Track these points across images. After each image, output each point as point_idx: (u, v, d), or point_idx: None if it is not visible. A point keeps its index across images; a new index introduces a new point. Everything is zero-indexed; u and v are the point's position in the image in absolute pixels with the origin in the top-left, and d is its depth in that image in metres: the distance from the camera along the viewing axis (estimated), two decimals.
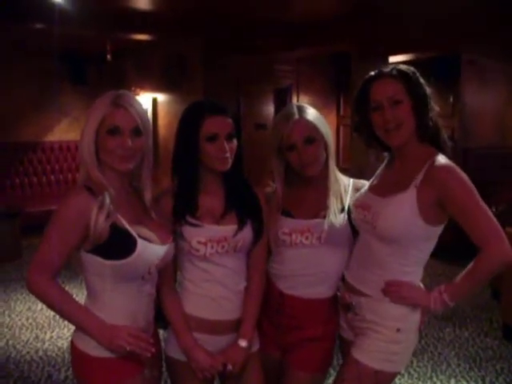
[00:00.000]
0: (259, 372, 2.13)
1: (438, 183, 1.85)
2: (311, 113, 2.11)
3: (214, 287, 2.02)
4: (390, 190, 1.96)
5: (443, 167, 1.87)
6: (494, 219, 1.84)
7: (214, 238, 1.97)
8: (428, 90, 1.95)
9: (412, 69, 1.97)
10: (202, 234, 1.96)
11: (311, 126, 2.07)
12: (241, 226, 2.00)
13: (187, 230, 1.97)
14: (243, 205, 2.04)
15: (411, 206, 1.87)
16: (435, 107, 1.96)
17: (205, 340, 2.02)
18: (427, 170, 1.88)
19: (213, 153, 1.95)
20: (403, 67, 1.97)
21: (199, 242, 1.96)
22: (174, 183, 2.04)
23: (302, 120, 2.08)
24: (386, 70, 1.97)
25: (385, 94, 1.93)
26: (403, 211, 1.89)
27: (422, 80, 1.95)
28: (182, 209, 1.99)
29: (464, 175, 1.86)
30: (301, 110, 2.10)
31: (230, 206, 2.03)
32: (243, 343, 2.03)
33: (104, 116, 1.77)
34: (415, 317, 2.00)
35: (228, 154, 1.95)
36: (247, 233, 2.02)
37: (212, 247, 1.97)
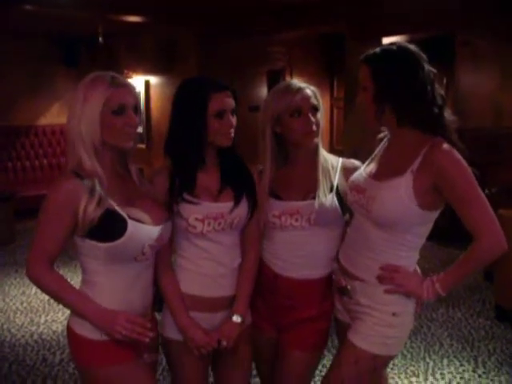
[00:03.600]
0: (249, 346, 2.18)
1: (435, 168, 1.82)
2: (311, 87, 2.15)
3: (210, 264, 2.04)
4: (386, 174, 1.94)
5: (442, 153, 1.83)
6: (490, 209, 1.83)
7: (210, 214, 1.98)
8: (405, 73, 1.86)
9: (392, 50, 1.90)
10: (199, 211, 1.98)
11: (315, 97, 2.11)
12: (237, 203, 2.02)
13: (184, 208, 1.98)
14: (239, 181, 2.06)
15: (407, 191, 1.85)
16: (430, 90, 1.87)
17: (200, 318, 2.04)
18: (425, 155, 1.84)
19: (220, 129, 1.97)
20: (379, 50, 1.93)
21: (197, 219, 1.98)
22: (169, 161, 2.05)
23: (308, 89, 2.12)
24: (367, 52, 1.95)
25: (359, 79, 1.95)
26: (398, 196, 1.86)
27: (400, 62, 1.87)
28: (180, 186, 2.00)
29: (464, 162, 1.83)
30: (300, 83, 2.15)
31: (225, 182, 2.04)
32: (237, 319, 2.05)
33: (107, 97, 1.76)
34: (410, 300, 2.00)
35: (233, 129, 2.00)
36: (243, 209, 2.04)
37: (209, 224, 1.99)
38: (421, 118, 1.88)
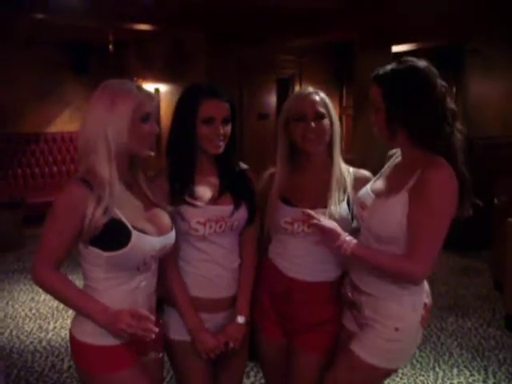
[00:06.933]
0: (247, 345, 2.23)
1: (424, 184, 1.79)
2: (321, 94, 2.17)
3: (211, 266, 2.07)
4: (385, 192, 1.96)
5: (435, 173, 1.79)
6: (438, 243, 1.83)
7: (212, 218, 2.02)
8: (420, 93, 1.82)
9: (402, 70, 1.86)
10: (201, 215, 2.01)
11: (322, 105, 2.13)
12: (237, 206, 2.06)
13: (186, 211, 2.01)
14: (237, 186, 2.09)
15: (402, 209, 1.85)
16: (437, 111, 1.83)
17: (202, 318, 2.07)
18: (420, 174, 1.82)
19: (208, 136, 2.00)
20: (388, 69, 1.88)
21: (198, 223, 2.01)
22: (168, 164, 2.08)
23: (316, 95, 2.13)
24: (376, 72, 1.91)
25: (371, 100, 1.93)
26: (394, 214, 1.87)
27: (411, 83, 1.82)
28: (181, 190, 2.03)
29: (449, 191, 1.80)
30: (311, 89, 2.17)
31: (224, 186, 2.08)
32: (241, 320, 2.10)
33: (137, 104, 1.79)
34: (415, 316, 1.99)
35: (222, 138, 2.01)
36: (242, 213, 2.08)
37: (211, 227, 2.02)
38: (431, 139, 1.84)
